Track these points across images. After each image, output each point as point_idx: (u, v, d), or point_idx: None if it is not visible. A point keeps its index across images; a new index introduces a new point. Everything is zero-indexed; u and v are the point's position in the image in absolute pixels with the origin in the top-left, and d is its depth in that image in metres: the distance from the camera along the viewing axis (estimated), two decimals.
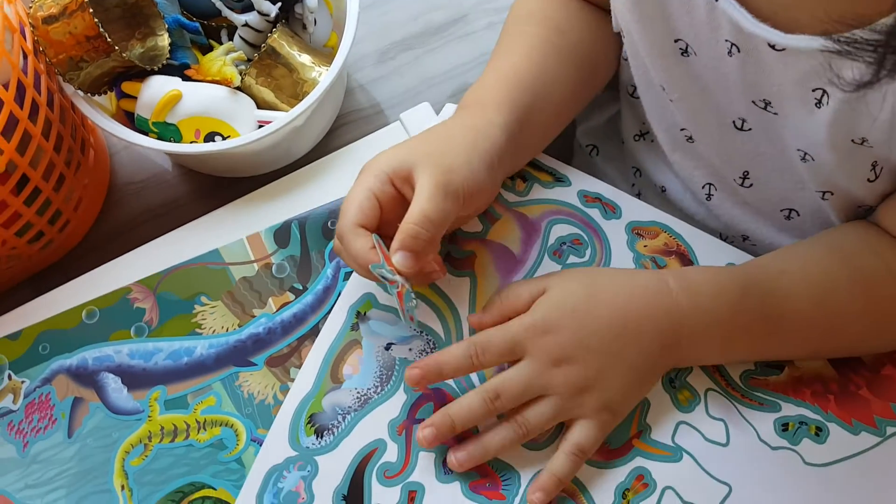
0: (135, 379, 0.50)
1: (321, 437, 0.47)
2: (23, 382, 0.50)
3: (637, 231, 0.53)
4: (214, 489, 0.47)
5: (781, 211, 0.55)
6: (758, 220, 0.56)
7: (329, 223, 0.53)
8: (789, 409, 0.48)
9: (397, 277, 0.44)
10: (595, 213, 0.53)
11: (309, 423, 0.47)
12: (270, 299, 0.51)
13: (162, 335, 0.51)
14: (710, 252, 0.52)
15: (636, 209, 0.54)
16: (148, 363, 0.50)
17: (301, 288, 0.51)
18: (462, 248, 0.51)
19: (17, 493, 0.48)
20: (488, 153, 0.48)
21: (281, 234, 0.53)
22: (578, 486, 0.46)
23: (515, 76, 0.52)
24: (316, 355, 0.49)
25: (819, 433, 0.47)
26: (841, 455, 0.47)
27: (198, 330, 0.51)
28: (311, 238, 0.53)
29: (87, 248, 0.61)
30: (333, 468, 0.46)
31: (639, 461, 0.47)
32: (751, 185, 0.54)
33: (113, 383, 0.50)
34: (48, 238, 0.57)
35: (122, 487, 0.48)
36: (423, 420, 0.46)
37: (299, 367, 0.49)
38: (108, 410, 0.49)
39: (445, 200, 0.45)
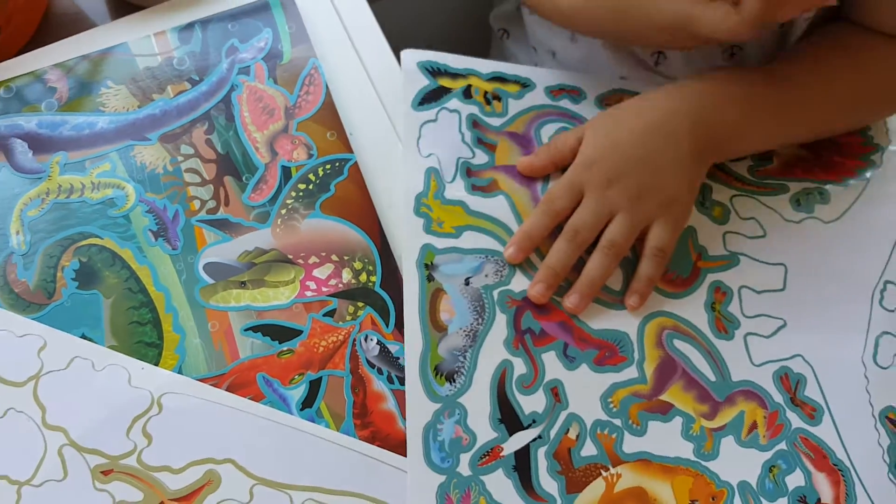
0: (40, 144, 0.53)
1: (454, 382, 0.48)
2: None
3: (606, 102, 0.58)
4: (101, 238, 0.51)
5: (652, 55, 0.59)
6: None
7: (230, 26, 0.57)
8: (794, 187, 0.56)
9: None
10: (566, 103, 0.57)
11: (437, 374, 0.48)
12: (169, 87, 0.55)
13: (69, 111, 0.55)
14: None
15: (593, 85, 0.58)
16: (53, 133, 0.54)
17: (198, 79, 0.55)
18: (482, 177, 0.54)
19: None
20: None
21: (185, 33, 0.56)
22: (675, 319, 0.51)
23: None
24: (411, 317, 0.49)
25: (822, 195, 0.55)
26: (846, 205, 0.55)
27: (101, 108, 0.54)
28: (211, 37, 0.56)
29: None
30: (478, 401, 0.47)
31: (710, 277, 0.52)
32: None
33: (20, 147, 0.53)
34: None
35: (17, 232, 0.51)
36: (530, 328, 0.49)
37: (189, 144, 0.53)
38: (13, 169, 0.53)
39: None
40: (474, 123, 0.55)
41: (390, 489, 0.45)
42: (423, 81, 0.56)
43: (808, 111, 0.54)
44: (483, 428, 0.47)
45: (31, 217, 0.51)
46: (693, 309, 0.51)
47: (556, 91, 0.58)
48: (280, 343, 0.48)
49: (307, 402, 0.47)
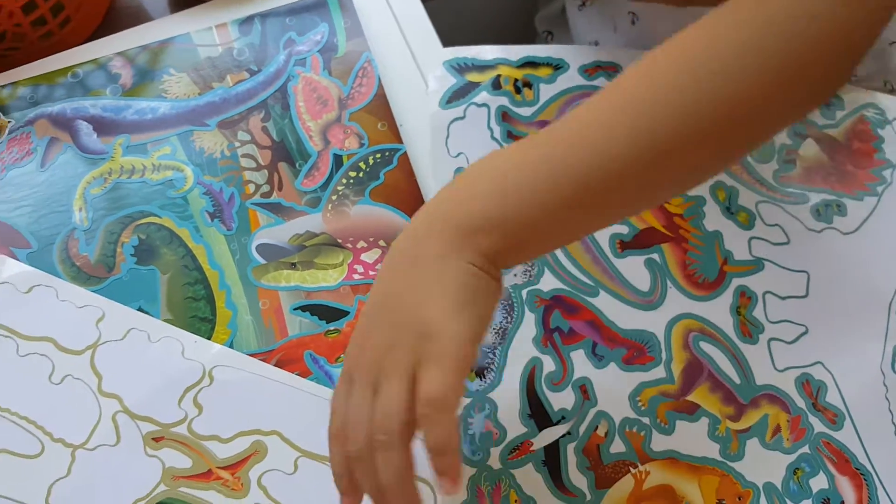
0: (104, 127, 0.55)
1: (484, 378, 0.49)
2: (9, 122, 0.56)
3: None
4: (160, 217, 0.53)
5: None
6: None
7: (288, 20, 0.59)
8: (813, 197, 0.55)
9: None
10: (601, 82, 0.56)
11: None
12: (228, 76, 0.57)
13: (132, 96, 0.57)
14: None
15: (630, 60, 0.55)
16: (117, 116, 0.56)
17: (256, 69, 0.57)
18: None
19: None
20: None
21: (245, 26, 0.58)
22: (701, 321, 0.51)
23: None
24: None
25: (840, 208, 0.54)
26: (861, 218, 0.54)
27: (163, 94, 0.57)
28: (270, 30, 0.58)
29: None
30: (508, 397, 0.48)
31: (735, 282, 0.52)
32: None
33: (85, 129, 0.55)
34: (49, 28, 0.62)
35: (80, 209, 0.53)
36: (558, 327, 0.50)
37: (246, 131, 0.55)
38: (78, 150, 0.55)
39: None
40: (504, 116, 0.55)
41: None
42: (451, 80, 0.56)
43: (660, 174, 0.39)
44: (513, 423, 0.48)
45: (93, 195, 0.53)
46: (719, 312, 0.52)
47: (591, 69, 0.57)
48: (327, 323, 0.50)
49: None
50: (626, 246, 0.53)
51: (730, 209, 0.55)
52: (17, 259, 0.52)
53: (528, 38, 0.76)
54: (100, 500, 0.46)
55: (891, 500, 0.48)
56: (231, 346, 0.49)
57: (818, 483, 0.48)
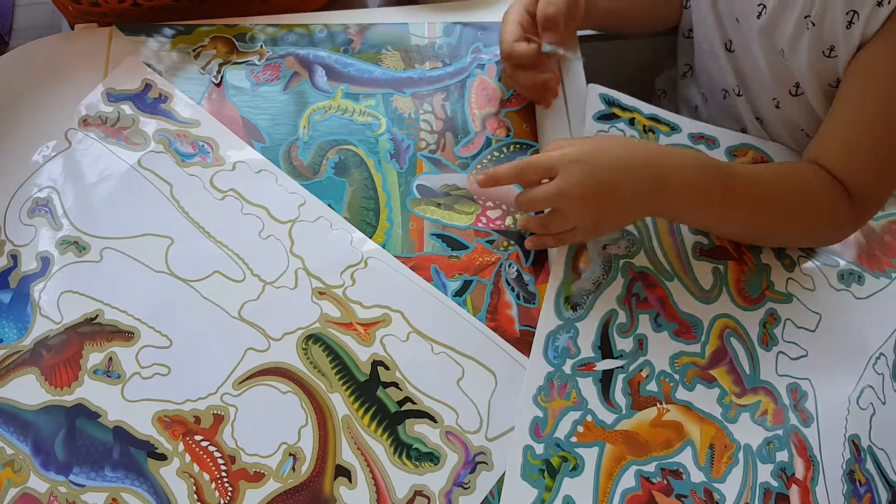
0: (333, 74, 0.76)
1: (576, 311, 0.67)
2: (267, 52, 0.78)
3: (733, 153, 0.75)
4: (356, 147, 0.74)
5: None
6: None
7: (479, 33, 0.79)
8: (842, 264, 0.72)
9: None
10: (702, 148, 0.75)
11: (566, 302, 0.67)
12: (427, 62, 0.77)
13: (357, 58, 0.78)
14: (783, 156, 0.76)
15: (727, 138, 0.76)
16: (344, 69, 0.76)
17: (447, 62, 0.77)
18: None
19: (242, 108, 0.75)
20: None
21: (448, 28, 0.79)
22: (737, 323, 0.69)
23: None
24: (558, 260, 0.69)
25: (860, 279, 0.72)
26: (872, 291, 0.72)
27: (378, 62, 0.77)
28: (465, 37, 0.78)
29: None
30: (588, 329, 0.66)
31: (770, 304, 0.70)
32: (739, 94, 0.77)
33: (320, 72, 0.76)
34: None
35: (304, 127, 0.74)
36: (637, 293, 0.68)
37: (430, 104, 0.76)
38: (312, 85, 0.76)
39: None
40: None
41: (499, 364, 0.65)
42: (601, 106, 0.75)
43: (735, 221, 0.69)
44: (586, 347, 0.66)
45: (316, 120, 0.75)
46: (751, 321, 0.69)
47: (696, 137, 0.76)
48: (452, 250, 0.70)
49: (459, 293, 0.68)
50: (703, 253, 0.71)
51: (779, 255, 0.72)
52: (254, 149, 0.73)
53: (647, 92, 0.95)
54: (274, 319, 0.66)
55: (825, 485, 0.64)
56: (383, 247, 0.70)
57: (781, 455, 0.64)
